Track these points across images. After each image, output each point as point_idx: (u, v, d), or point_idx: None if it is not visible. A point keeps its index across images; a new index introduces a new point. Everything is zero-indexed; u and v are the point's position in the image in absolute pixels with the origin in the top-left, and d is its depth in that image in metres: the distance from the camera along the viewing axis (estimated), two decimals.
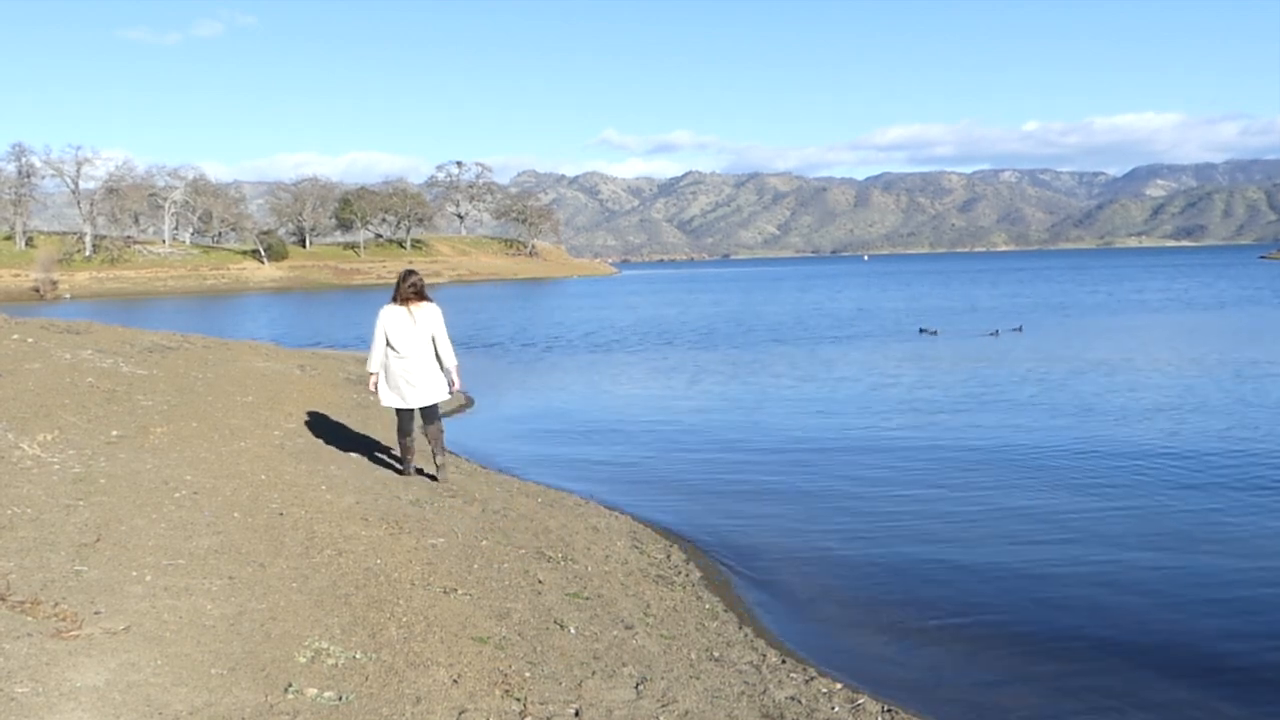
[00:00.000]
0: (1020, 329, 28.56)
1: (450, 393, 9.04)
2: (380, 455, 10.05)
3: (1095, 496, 9.23)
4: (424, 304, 8.73)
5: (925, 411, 14.47)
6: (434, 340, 8.74)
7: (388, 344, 8.71)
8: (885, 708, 4.92)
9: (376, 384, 8.91)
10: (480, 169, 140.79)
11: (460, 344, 27.80)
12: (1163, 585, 6.84)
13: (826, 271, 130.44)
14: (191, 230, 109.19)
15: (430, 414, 8.96)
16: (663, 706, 4.60)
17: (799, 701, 4.90)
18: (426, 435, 9.06)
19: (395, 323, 8.68)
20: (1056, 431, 12.52)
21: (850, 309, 42.93)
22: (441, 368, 8.86)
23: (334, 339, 29.66)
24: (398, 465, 9.43)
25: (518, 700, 4.38)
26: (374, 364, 8.85)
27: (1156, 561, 7.34)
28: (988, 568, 7.28)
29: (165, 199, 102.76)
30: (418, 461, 9.41)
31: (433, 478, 9.10)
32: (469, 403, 16.22)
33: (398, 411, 9.03)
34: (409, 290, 8.70)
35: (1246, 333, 26.56)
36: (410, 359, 8.68)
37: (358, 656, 4.56)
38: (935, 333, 28.57)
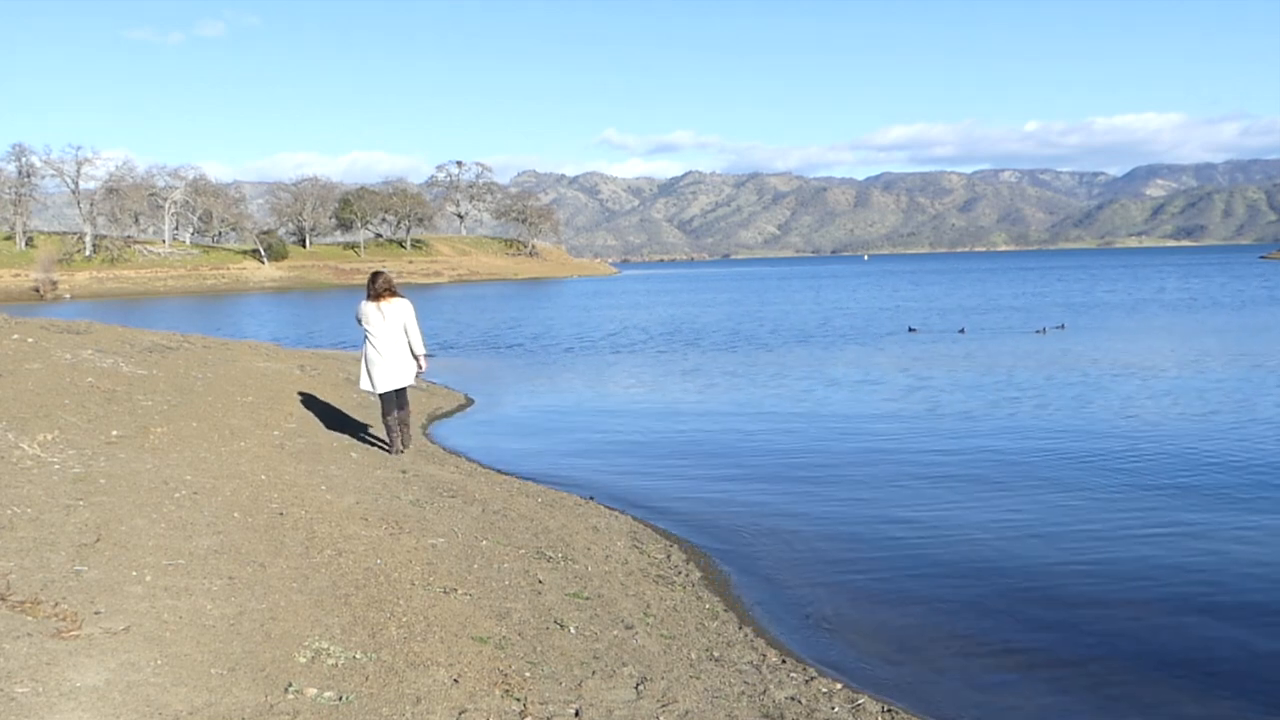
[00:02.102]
0: (1063, 327, 28.95)
1: (417, 378, 10.31)
2: (381, 454, 10.06)
3: (1100, 500, 9.22)
4: (395, 299, 9.90)
5: (942, 413, 14.45)
6: (405, 330, 9.89)
7: (365, 335, 9.90)
8: (885, 708, 4.92)
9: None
10: (480, 169, 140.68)
11: (478, 345, 27.97)
12: (1166, 587, 6.83)
13: (830, 271, 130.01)
14: (191, 230, 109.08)
15: (400, 400, 10.16)
16: (663, 706, 4.60)
17: (799, 701, 4.90)
18: (397, 417, 10.19)
19: (369, 316, 9.85)
20: (1069, 435, 12.47)
21: (872, 308, 42.63)
22: (413, 355, 10.02)
23: (334, 339, 29.65)
24: (385, 447, 10.35)
25: (518, 700, 4.38)
26: None
27: (1160, 564, 7.33)
28: (988, 569, 7.28)
29: (165, 199, 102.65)
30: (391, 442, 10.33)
31: (386, 449, 10.26)
32: (469, 402, 16.21)
33: (380, 396, 10.03)
34: (380, 288, 9.85)
35: None
36: (381, 348, 9.84)
37: (358, 656, 4.56)
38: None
